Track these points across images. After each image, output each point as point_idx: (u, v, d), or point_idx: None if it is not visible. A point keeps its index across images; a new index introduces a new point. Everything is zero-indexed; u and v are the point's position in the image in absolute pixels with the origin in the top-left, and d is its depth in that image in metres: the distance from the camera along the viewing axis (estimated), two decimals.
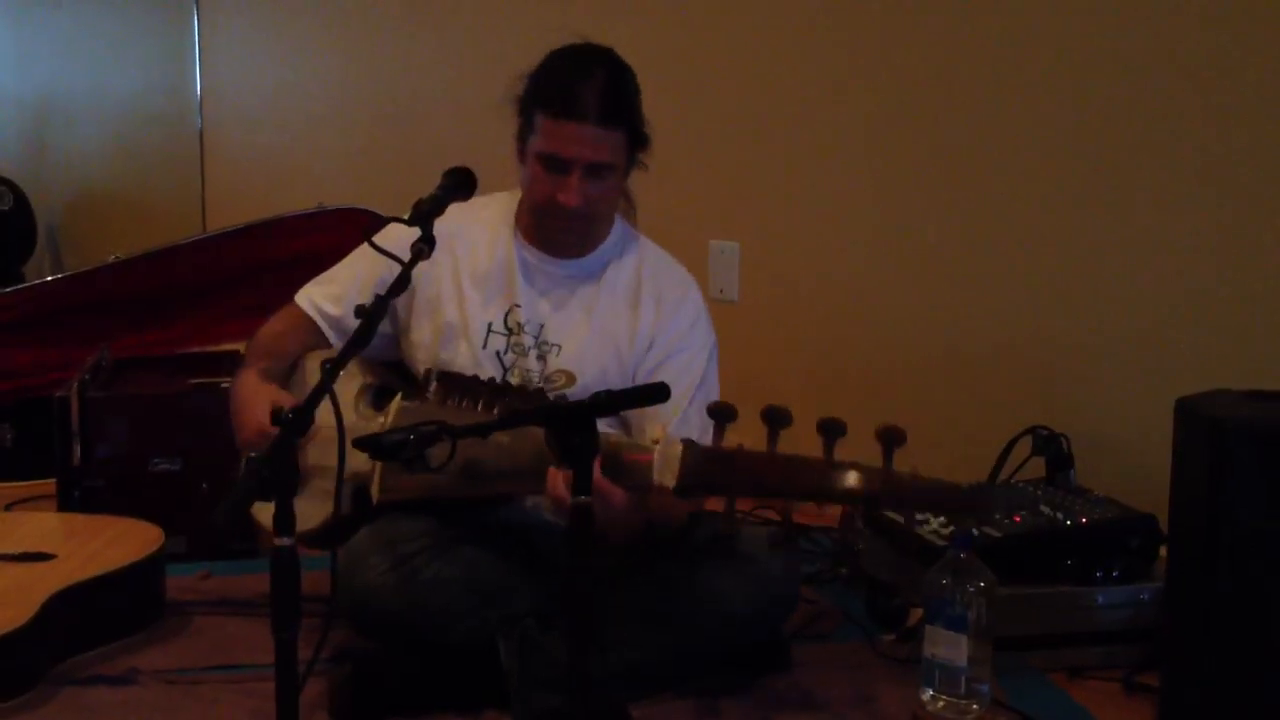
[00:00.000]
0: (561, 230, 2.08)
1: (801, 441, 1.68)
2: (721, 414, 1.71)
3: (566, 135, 1.97)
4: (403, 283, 1.74)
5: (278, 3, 4.54)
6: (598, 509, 1.55)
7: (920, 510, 1.69)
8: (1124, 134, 2.55)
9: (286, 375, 2.18)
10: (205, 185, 4.83)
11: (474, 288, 2.13)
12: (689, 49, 3.26)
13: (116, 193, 5.27)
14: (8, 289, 3.50)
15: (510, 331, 2.11)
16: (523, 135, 2.05)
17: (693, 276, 2.21)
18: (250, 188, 4.59)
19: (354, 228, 3.21)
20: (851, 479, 1.66)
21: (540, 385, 2.09)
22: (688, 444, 1.74)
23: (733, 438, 1.74)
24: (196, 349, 3.29)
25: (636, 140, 2.05)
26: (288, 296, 2.26)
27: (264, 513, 2.07)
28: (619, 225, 2.18)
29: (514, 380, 2.08)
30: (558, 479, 1.75)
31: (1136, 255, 2.55)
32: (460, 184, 2.01)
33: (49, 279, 3.55)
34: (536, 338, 2.11)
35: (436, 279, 2.12)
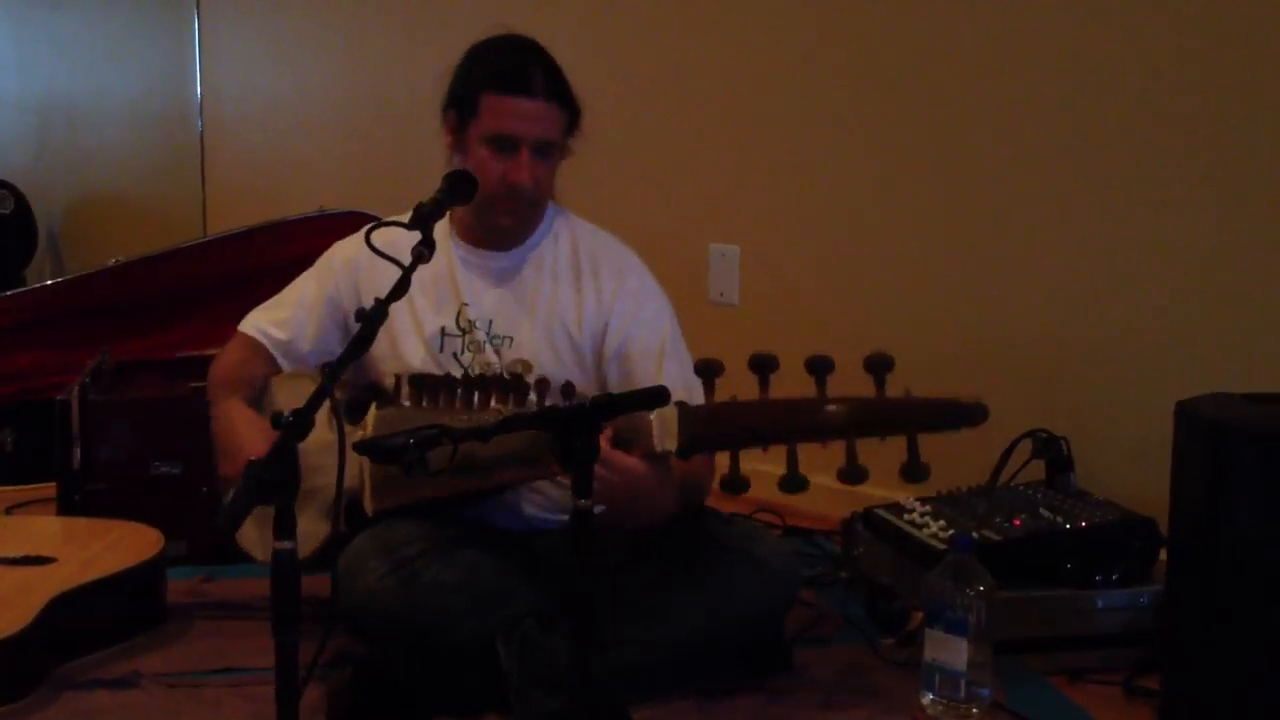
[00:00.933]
0: (507, 213, 2.09)
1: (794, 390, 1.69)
2: (709, 370, 1.72)
3: (518, 111, 2.01)
4: (403, 286, 1.75)
5: (278, 7, 4.54)
6: (623, 494, 1.55)
7: (920, 431, 1.69)
8: (1124, 137, 2.55)
9: (257, 404, 2.18)
10: (206, 189, 4.84)
11: (421, 295, 2.14)
12: (689, 52, 3.26)
13: (117, 196, 5.28)
14: (8, 292, 3.50)
15: (463, 331, 2.14)
16: (461, 126, 2.08)
17: (626, 245, 2.21)
18: (251, 191, 4.60)
19: (354, 231, 3.21)
20: (847, 411, 1.66)
21: (503, 374, 2.09)
22: (681, 405, 1.75)
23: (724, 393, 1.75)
24: (197, 353, 3.27)
25: (572, 124, 2.08)
26: None
27: (248, 540, 2.09)
28: (550, 209, 2.19)
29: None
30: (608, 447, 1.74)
31: (1137, 258, 2.56)
32: (460, 187, 2.01)
33: (50, 282, 3.56)
34: (488, 333, 2.12)
35: (381, 293, 2.11)
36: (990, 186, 2.77)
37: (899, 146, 2.92)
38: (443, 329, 2.14)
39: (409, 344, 2.13)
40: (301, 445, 1.42)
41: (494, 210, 2.08)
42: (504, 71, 2.04)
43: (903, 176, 2.92)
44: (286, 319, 2.20)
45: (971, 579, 1.94)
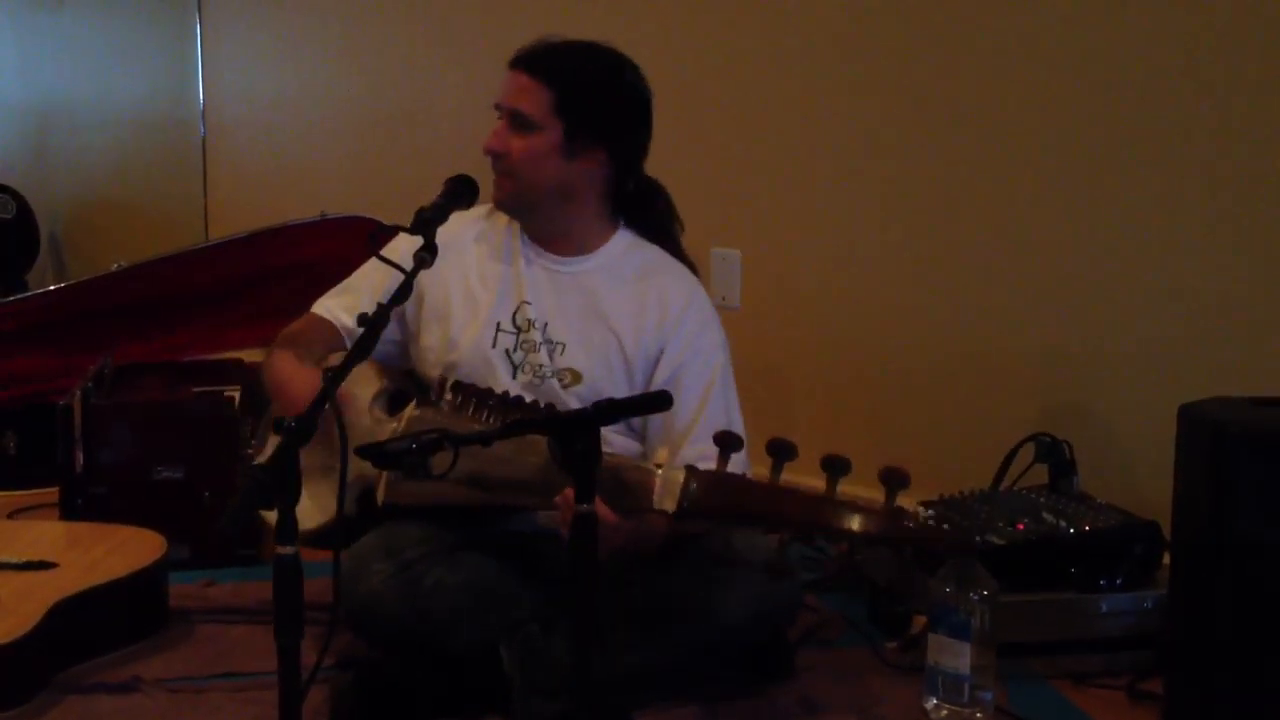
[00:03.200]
0: (495, 180, 2.11)
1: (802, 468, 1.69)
2: (728, 442, 1.72)
3: (504, 82, 2.08)
4: (404, 292, 1.75)
5: (280, 11, 4.55)
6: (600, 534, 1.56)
7: (913, 550, 1.74)
8: (1126, 141, 2.55)
9: (319, 361, 2.18)
10: (208, 193, 4.84)
11: (483, 288, 2.15)
12: (691, 55, 3.26)
13: (119, 201, 5.28)
14: (10, 297, 3.51)
15: (519, 329, 2.13)
16: None
17: (698, 282, 2.21)
18: (253, 195, 4.60)
19: (356, 236, 3.22)
20: (853, 520, 1.69)
21: (552, 379, 2.10)
22: (690, 471, 1.75)
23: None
24: (199, 356, 3.29)
25: (571, 114, 2.06)
26: (290, 304, 2.28)
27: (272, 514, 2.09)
28: (623, 230, 2.19)
29: (525, 377, 2.10)
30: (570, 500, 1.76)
31: (1138, 262, 2.55)
32: (461, 192, 2.02)
33: (52, 287, 3.56)
34: (544, 334, 2.12)
35: (444, 282, 2.13)
36: (992, 190, 2.77)
37: (901, 150, 2.92)
38: (498, 324, 2.13)
39: (461, 336, 2.13)
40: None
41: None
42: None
43: (904, 180, 2.92)
44: (354, 304, 2.17)
45: (975, 583, 1.94)
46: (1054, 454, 2.48)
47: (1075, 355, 2.65)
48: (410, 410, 2.05)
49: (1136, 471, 2.47)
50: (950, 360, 2.83)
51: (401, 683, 1.98)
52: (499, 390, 2.04)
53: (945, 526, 1.76)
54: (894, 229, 2.95)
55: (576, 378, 2.10)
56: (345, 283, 2.24)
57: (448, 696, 1.98)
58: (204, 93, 4.81)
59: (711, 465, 1.78)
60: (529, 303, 2.14)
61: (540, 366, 2.11)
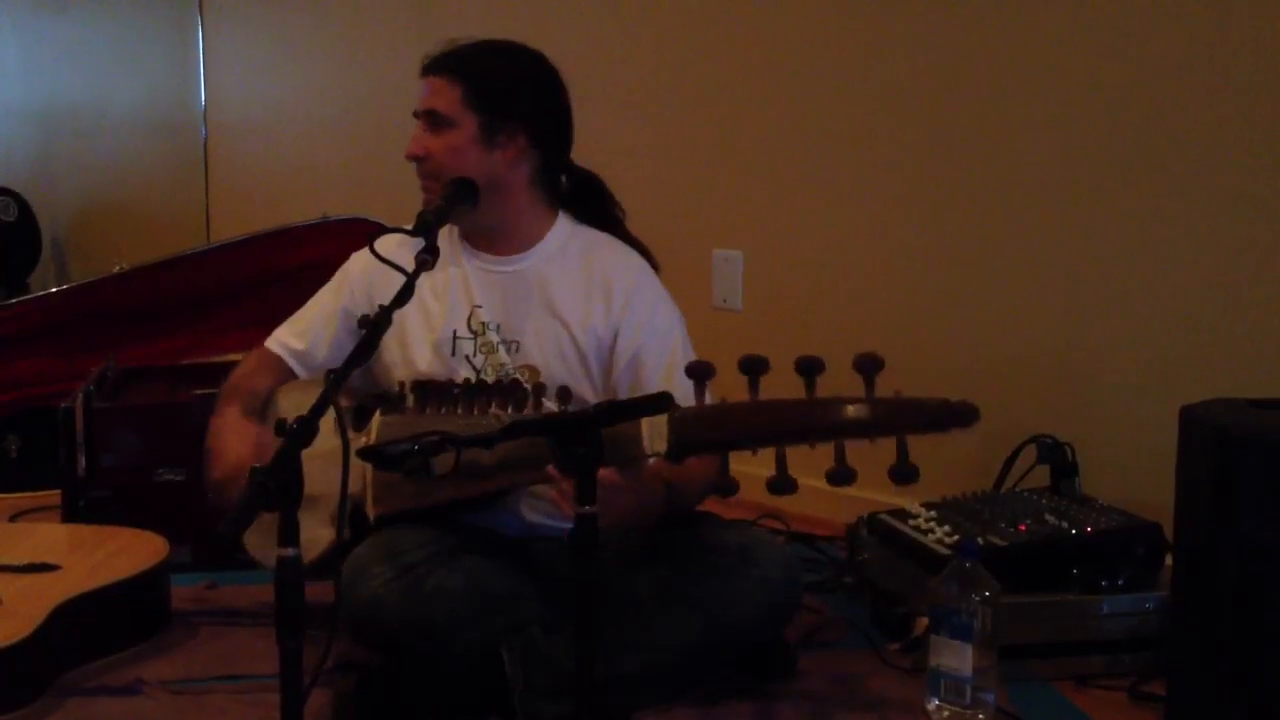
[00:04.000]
0: (421, 185, 2.13)
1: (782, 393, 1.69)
2: (700, 372, 1.71)
3: (420, 90, 2.12)
4: (407, 293, 1.75)
5: (281, 13, 4.55)
6: (602, 497, 1.55)
7: (912, 432, 1.68)
8: (1127, 143, 2.55)
9: (261, 415, 2.19)
10: (209, 196, 4.84)
11: (435, 300, 2.16)
12: (692, 59, 3.26)
13: (121, 203, 5.28)
14: (12, 300, 3.51)
15: (475, 333, 2.14)
16: None
17: (645, 263, 2.21)
18: (255, 198, 4.60)
19: (358, 238, 3.18)
20: (838, 412, 1.65)
21: (515, 376, 2.10)
22: (673, 408, 1.74)
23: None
24: (201, 359, 3.29)
25: (483, 103, 2.07)
26: (292, 306, 2.29)
27: (254, 546, 2.09)
28: (562, 220, 2.20)
29: (489, 379, 2.11)
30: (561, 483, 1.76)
31: (1140, 263, 2.55)
32: (463, 194, 2.03)
33: (54, 290, 3.57)
34: (499, 334, 2.13)
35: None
36: (994, 192, 2.77)
37: (903, 151, 2.92)
38: (454, 332, 2.14)
39: (421, 349, 2.14)
40: (304, 453, 1.42)
41: None
42: None
43: (906, 181, 2.92)
44: (304, 329, 2.24)
45: (977, 584, 1.93)
46: (1056, 455, 2.48)
47: (1077, 357, 2.65)
48: (377, 419, 2.05)
49: (1138, 473, 2.47)
50: (952, 362, 2.83)
51: (403, 686, 1.98)
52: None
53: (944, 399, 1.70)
54: (896, 231, 2.95)
55: (535, 373, 2.11)
56: (296, 314, 2.28)
57: (449, 699, 1.97)
58: (205, 95, 4.82)
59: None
60: (480, 306, 2.15)
61: (502, 365, 2.12)
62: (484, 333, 2.14)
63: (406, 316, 2.13)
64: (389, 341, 2.15)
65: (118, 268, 3.37)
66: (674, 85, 3.35)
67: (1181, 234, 2.50)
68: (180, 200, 4.90)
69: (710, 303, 3.26)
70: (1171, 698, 1.99)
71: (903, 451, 1.65)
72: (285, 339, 2.25)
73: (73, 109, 5.39)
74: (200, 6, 4.79)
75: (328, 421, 1.86)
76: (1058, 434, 2.50)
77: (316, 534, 1.97)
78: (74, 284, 3.51)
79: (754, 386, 1.69)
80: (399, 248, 1.92)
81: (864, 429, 1.66)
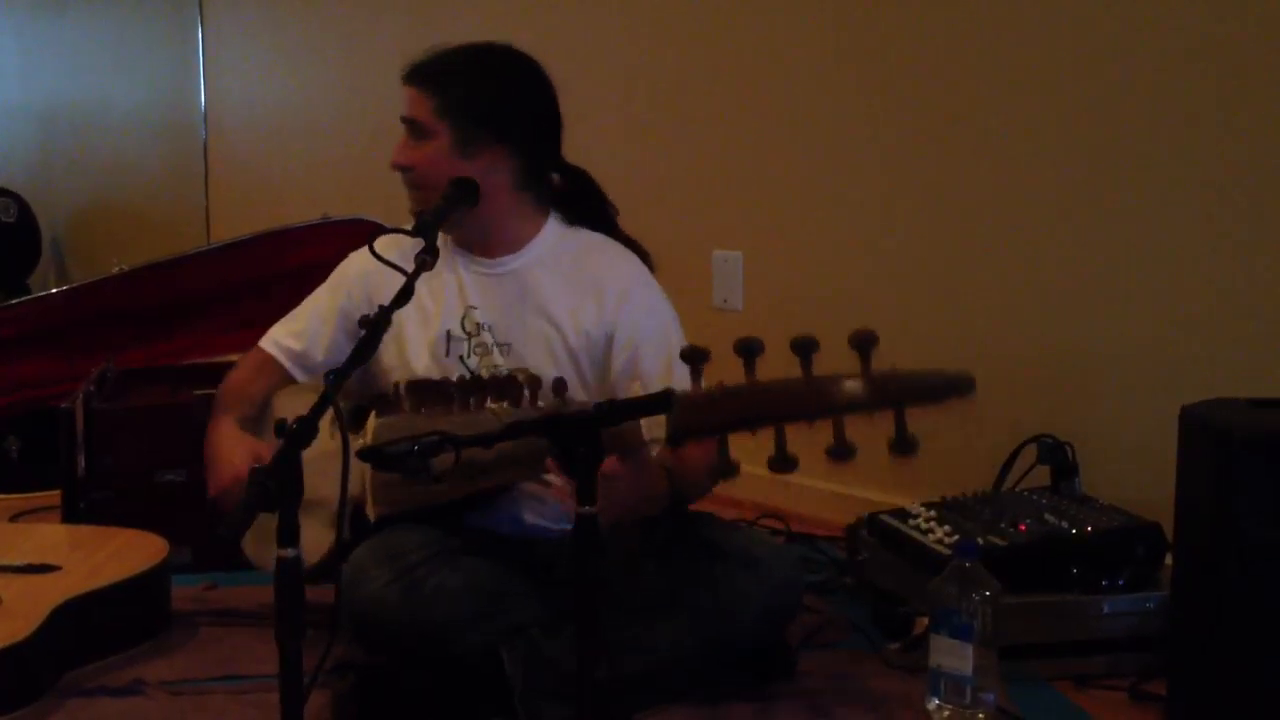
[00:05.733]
0: (408, 194, 2.14)
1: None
2: (695, 357, 1.71)
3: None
4: (407, 293, 1.75)
5: (282, 15, 4.56)
6: (605, 489, 1.56)
7: (911, 405, 1.68)
8: (1127, 143, 2.55)
9: (258, 421, 2.19)
10: (209, 197, 4.85)
11: (431, 301, 2.15)
12: (692, 59, 3.26)
13: (121, 204, 5.29)
14: (13, 301, 3.51)
15: (469, 334, 2.15)
16: None
17: (639, 261, 2.20)
18: (254, 199, 4.61)
19: (358, 239, 3.18)
20: (836, 389, 1.65)
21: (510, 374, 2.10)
22: (670, 393, 1.74)
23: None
24: (201, 360, 3.29)
25: (455, 115, 2.08)
26: (293, 307, 2.28)
27: (252, 550, 2.09)
28: (553, 220, 2.20)
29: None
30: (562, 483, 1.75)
31: (1140, 263, 2.55)
32: (463, 194, 2.03)
33: (54, 291, 3.57)
34: (493, 336, 2.14)
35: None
36: (994, 191, 2.77)
37: (902, 151, 2.92)
38: (448, 332, 2.15)
39: (418, 352, 2.14)
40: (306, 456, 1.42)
41: None
42: None
43: (905, 181, 2.92)
44: (301, 330, 2.22)
45: (977, 584, 1.93)
46: (1056, 455, 2.48)
47: (1077, 356, 2.65)
48: (373, 420, 2.05)
49: (1138, 473, 2.47)
50: (952, 361, 2.79)
51: (403, 687, 1.98)
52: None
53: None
54: (896, 231, 2.95)
55: (528, 375, 2.10)
56: (292, 312, 2.27)
57: (449, 701, 1.97)
58: (205, 96, 4.82)
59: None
60: (475, 307, 2.15)
61: (496, 367, 2.12)
62: (478, 334, 2.14)
63: (404, 320, 2.13)
64: (387, 344, 2.14)
65: (117, 269, 3.37)
66: (674, 86, 3.35)
67: (1182, 234, 2.50)
68: (180, 201, 4.90)
69: (710, 303, 3.26)
70: (1172, 697, 1.99)
71: (901, 425, 1.65)
72: (282, 339, 2.24)
73: (73, 110, 5.40)
74: (200, 7, 4.80)
75: (325, 424, 1.86)
76: (1058, 434, 2.50)
77: (316, 537, 1.97)
78: (74, 285, 3.51)
79: (749, 368, 1.69)
80: (395, 248, 1.92)
81: (861, 405, 1.66)
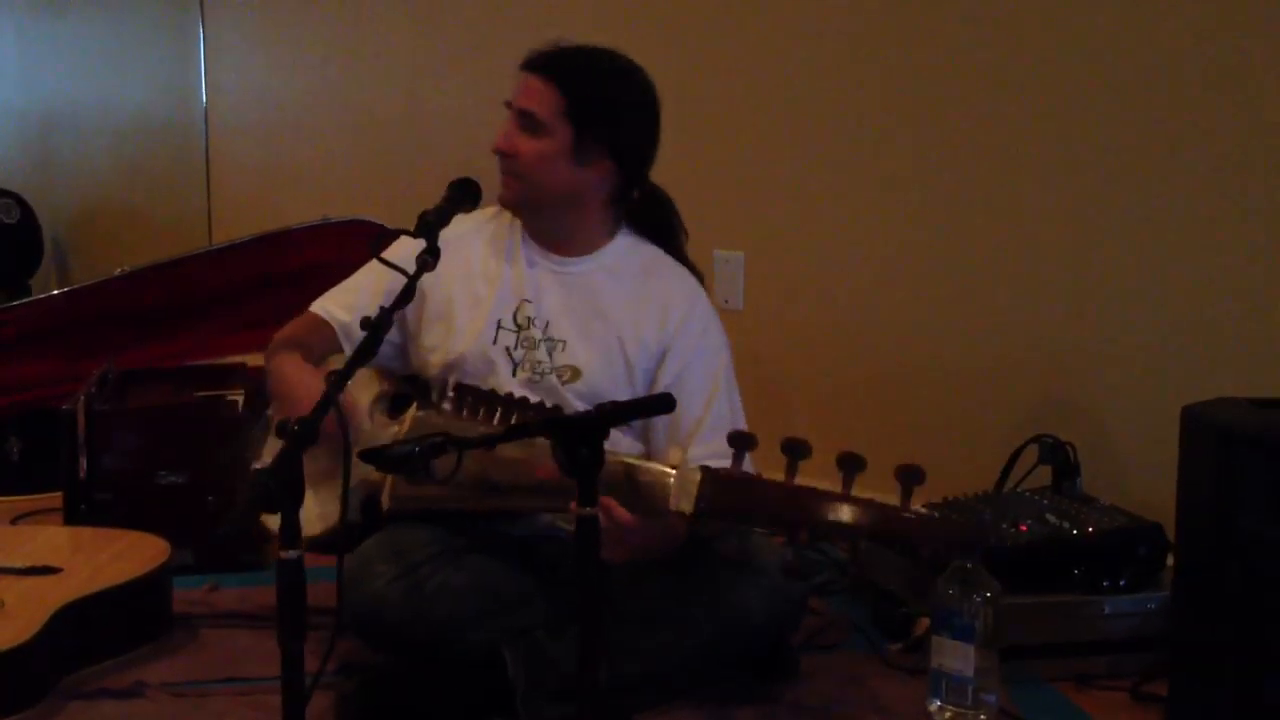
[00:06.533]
0: (502, 179, 2.12)
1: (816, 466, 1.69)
2: (742, 442, 1.72)
3: (517, 83, 2.10)
4: (407, 295, 1.75)
5: (282, 15, 4.55)
6: (605, 529, 1.56)
7: (925, 548, 1.74)
8: (1128, 143, 2.55)
9: (319, 363, 2.19)
10: (210, 198, 4.84)
11: (485, 286, 2.15)
12: (693, 58, 3.26)
13: (122, 205, 5.28)
14: (14, 302, 3.51)
15: (520, 327, 2.14)
16: None
17: (699, 284, 2.22)
18: (255, 200, 4.60)
19: (359, 240, 3.22)
20: (861, 521, 1.68)
21: (551, 375, 2.11)
22: (706, 471, 1.75)
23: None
24: (203, 361, 3.29)
25: (581, 120, 2.07)
26: (294, 308, 2.28)
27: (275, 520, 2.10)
28: (625, 232, 2.20)
29: (524, 374, 2.10)
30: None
31: (1141, 264, 2.55)
32: (465, 195, 2.03)
33: (55, 292, 3.57)
34: (544, 333, 2.13)
35: (447, 282, 2.13)
36: (995, 191, 2.77)
37: (904, 153, 2.92)
38: (499, 321, 2.14)
39: (462, 334, 2.14)
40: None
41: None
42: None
43: (907, 182, 2.92)
44: (351, 303, 2.19)
45: (978, 585, 1.93)
46: (1057, 455, 2.48)
47: (1078, 357, 2.65)
48: (412, 412, 2.06)
49: (1140, 473, 2.47)
50: (953, 362, 2.83)
51: (405, 687, 1.98)
52: (501, 390, 2.05)
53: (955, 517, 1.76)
54: (897, 231, 2.95)
55: (576, 374, 2.11)
56: (345, 283, 2.24)
57: (452, 700, 1.97)
58: (207, 97, 4.81)
59: (725, 464, 1.78)
60: (529, 301, 2.15)
61: (539, 363, 2.12)
62: (528, 327, 2.14)
63: (454, 301, 2.14)
64: (432, 323, 2.15)
65: (119, 270, 3.37)
66: (674, 86, 3.34)
67: (1182, 234, 2.50)
68: (181, 202, 4.89)
69: (712, 303, 3.25)
70: (1173, 698, 1.99)
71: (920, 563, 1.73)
72: (333, 309, 2.21)
73: (74, 110, 5.39)
74: (201, 7, 4.79)
75: (367, 403, 1.87)
76: (1059, 434, 2.50)
77: (331, 508, 1.97)
78: (75, 286, 3.51)
79: (792, 470, 1.71)
80: (469, 226, 1.99)
81: (883, 542, 1.72)
